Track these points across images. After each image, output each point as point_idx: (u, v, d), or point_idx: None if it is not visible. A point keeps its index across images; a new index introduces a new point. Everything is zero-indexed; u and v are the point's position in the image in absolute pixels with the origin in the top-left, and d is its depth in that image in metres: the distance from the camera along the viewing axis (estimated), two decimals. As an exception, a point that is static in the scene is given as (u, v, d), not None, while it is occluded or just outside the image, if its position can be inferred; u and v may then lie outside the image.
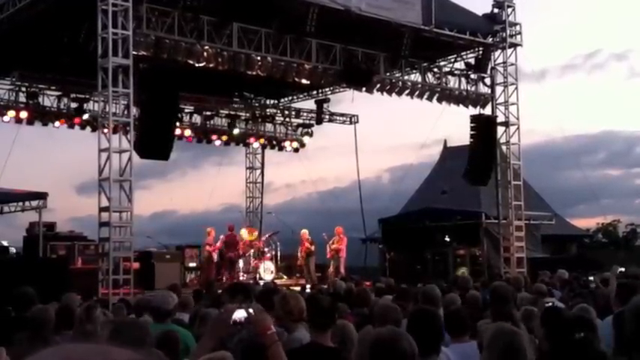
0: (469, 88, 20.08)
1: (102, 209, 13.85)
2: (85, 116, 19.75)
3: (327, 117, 23.76)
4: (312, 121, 24.23)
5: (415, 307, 5.15)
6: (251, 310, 3.14)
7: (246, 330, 3.33)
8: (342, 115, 23.92)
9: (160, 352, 4.00)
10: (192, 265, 19.12)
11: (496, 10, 19.94)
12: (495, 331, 3.44)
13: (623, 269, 10.42)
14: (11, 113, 19.24)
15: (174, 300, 6.00)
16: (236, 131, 23.27)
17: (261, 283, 15.35)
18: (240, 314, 3.08)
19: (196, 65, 15.69)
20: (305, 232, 19.40)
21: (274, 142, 24.40)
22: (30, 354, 0.82)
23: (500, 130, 20.18)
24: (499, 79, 20.20)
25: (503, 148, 20.50)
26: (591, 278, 10.92)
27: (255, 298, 7.17)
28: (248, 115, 23.79)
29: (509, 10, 19.97)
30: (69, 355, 0.79)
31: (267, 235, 20.03)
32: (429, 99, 19.46)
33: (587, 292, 8.88)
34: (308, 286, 16.43)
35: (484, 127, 19.74)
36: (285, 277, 19.48)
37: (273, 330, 3.24)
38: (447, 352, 4.27)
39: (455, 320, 4.89)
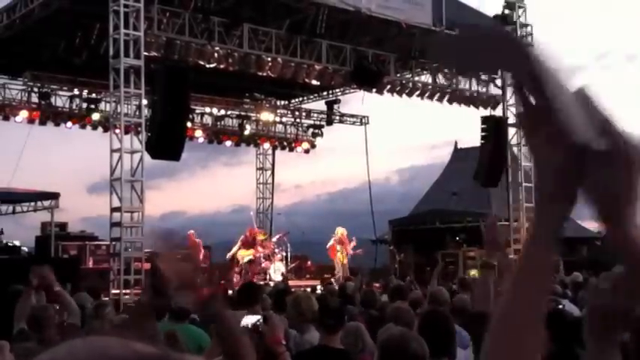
0: (480, 89, 20.04)
1: (113, 209, 13.90)
2: (96, 116, 19.83)
3: (337, 118, 23.78)
4: (322, 122, 24.24)
5: (426, 309, 5.14)
6: (261, 318, 3.13)
7: (256, 336, 3.33)
8: (353, 116, 23.92)
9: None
10: (203, 265, 19.12)
11: (507, 12, 19.88)
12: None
13: None
14: (23, 113, 19.37)
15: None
16: (246, 132, 23.32)
17: (271, 284, 15.35)
18: (248, 320, 3.07)
19: (207, 66, 15.74)
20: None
21: (285, 143, 24.43)
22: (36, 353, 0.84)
23: (511, 131, 20.11)
24: (510, 80, 20.09)
25: (514, 149, 20.44)
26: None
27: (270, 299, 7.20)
28: (259, 115, 23.84)
29: (521, 11, 19.90)
30: (94, 347, 0.80)
31: (278, 236, 20.04)
32: (440, 100, 19.43)
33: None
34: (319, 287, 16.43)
35: (495, 129, 19.68)
36: (294, 277, 19.48)
37: (283, 341, 3.25)
38: None
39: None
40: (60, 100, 20.17)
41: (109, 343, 0.80)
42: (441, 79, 19.68)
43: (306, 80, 17.59)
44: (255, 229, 19.49)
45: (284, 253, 19.46)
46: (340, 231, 19.23)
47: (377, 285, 13.17)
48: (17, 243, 18.56)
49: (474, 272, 20.18)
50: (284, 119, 24.47)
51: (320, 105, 24.05)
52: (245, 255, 18.35)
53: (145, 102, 14.77)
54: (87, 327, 5.17)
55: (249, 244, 18.51)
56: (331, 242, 19.24)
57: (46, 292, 5.33)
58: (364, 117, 23.93)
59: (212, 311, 2.05)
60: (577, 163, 0.96)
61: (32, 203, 18.79)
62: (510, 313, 1.09)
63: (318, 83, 18.56)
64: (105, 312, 5.49)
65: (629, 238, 0.99)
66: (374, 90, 18.69)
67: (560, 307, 6.34)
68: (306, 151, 24.62)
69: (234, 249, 18.47)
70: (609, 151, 0.94)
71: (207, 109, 22.63)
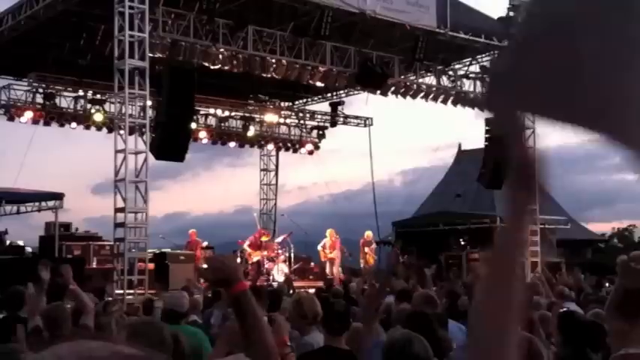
0: (484, 91, 20.01)
1: (117, 210, 13.93)
2: (99, 117, 19.86)
3: (341, 119, 23.81)
4: (326, 124, 24.26)
5: (410, 309, 5.14)
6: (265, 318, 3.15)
7: None
8: (357, 117, 23.94)
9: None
10: (204, 266, 19.09)
11: (512, 14, 19.86)
12: None
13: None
14: (28, 114, 19.42)
15: (187, 301, 6.03)
16: (250, 133, 23.36)
17: (275, 285, 15.35)
18: None
19: (211, 67, 15.77)
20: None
21: (289, 145, 24.45)
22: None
23: (515, 133, 20.08)
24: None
25: (518, 151, 20.39)
26: (607, 284, 10.87)
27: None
28: (263, 117, 23.87)
29: (525, 13, 19.87)
30: (80, 350, 0.82)
31: (282, 237, 20.04)
32: (444, 102, 19.43)
33: (604, 297, 8.80)
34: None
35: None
36: (298, 279, 19.45)
37: (288, 342, 3.27)
38: None
39: None
40: (64, 100, 20.24)
41: (93, 346, 0.82)
42: (445, 81, 19.68)
43: (311, 82, 17.61)
44: (262, 230, 19.50)
45: (287, 254, 19.45)
46: (328, 233, 19.22)
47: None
48: (21, 243, 18.60)
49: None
50: (288, 120, 24.49)
51: (324, 106, 24.11)
52: (253, 257, 18.34)
53: (149, 103, 14.80)
54: (94, 322, 5.22)
55: (257, 246, 18.51)
56: (319, 247, 19.24)
57: (57, 288, 5.38)
58: (368, 119, 23.94)
59: (244, 303, 2.23)
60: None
61: (36, 203, 18.82)
62: (488, 299, 1.13)
63: (323, 85, 18.58)
64: (113, 309, 5.55)
65: None
66: (378, 92, 18.69)
67: (564, 309, 6.34)
68: (310, 153, 24.64)
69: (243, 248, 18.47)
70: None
71: (212, 111, 22.66)
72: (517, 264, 1.21)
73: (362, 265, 19.41)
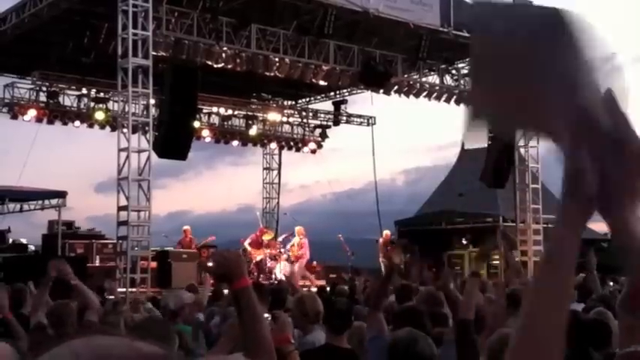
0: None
1: (120, 208, 13.94)
2: (100, 115, 19.86)
3: (344, 118, 23.80)
4: (329, 123, 24.26)
5: (401, 306, 5.14)
6: (269, 316, 3.15)
7: None
8: (360, 116, 23.93)
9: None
10: (209, 264, 19.06)
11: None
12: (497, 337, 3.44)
13: None
14: (32, 112, 19.44)
15: (181, 300, 6.02)
16: (253, 132, 23.37)
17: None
18: None
19: (215, 66, 15.78)
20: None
21: (291, 144, 24.46)
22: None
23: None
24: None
25: (522, 150, 20.39)
26: (611, 283, 10.88)
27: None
28: (266, 115, 23.88)
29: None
30: (97, 347, 0.80)
31: (284, 236, 20.03)
32: (447, 101, 19.42)
33: (607, 296, 8.78)
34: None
35: (502, 130, 19.64)
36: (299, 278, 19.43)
37: (291, 340, 3.27)
38: None
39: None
40: (68, 99, 20.25)
41: (110, 343, 0.80)
42: (448, 80, 19.66)
43: (314, 80, 17.61)
44: (263, 228, 19.47)
45: (290, 253, 19.42)
46: (297, 231, 18.79)
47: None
48: (24, 241, 18.64)
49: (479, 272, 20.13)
50: (291, 119, 24.48)
51: (327, 105, 24.09)
52: (256, 255, 18.30)
53: (152, 101, 14.81)
54: (103, 320, 5.22)
55: (259, 244, 18.46)
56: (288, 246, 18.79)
57: (62, 285, 5.38)
58: (371, 117, 23.94)
59: (245, 299, 2.22)
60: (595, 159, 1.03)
61: (40, 202, 18.85)
62: (539, 311, 1.09)
63: (326, 84, 18.58)
64: (122, 309, 5.56)
65: (628, 227, 1.01)
66: (381, 91, 18.68)
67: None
68: (313, 152, 24.64)
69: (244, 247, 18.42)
70: (620, 140, 1.02)
71: (215, 109, 22.68)
72: (568, 276, 1.12)
73: (383, 265, 19.28)
